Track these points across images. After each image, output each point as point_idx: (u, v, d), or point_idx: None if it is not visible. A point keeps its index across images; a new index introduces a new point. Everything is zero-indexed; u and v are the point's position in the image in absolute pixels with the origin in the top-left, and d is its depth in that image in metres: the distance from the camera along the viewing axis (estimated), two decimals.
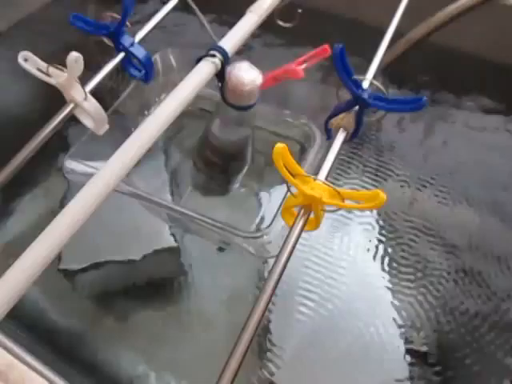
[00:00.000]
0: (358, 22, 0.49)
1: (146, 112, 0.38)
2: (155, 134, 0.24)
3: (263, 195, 0.39)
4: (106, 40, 0.35)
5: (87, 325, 0.41)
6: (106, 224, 0.41)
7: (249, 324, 0.20)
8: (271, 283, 0.22)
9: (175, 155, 0.44)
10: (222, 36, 0.33)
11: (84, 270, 0.40)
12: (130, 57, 0.35)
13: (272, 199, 0.40)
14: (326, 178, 0.26)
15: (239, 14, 0.37)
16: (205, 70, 0.27)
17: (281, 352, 0.36)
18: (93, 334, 0.40)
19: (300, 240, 0.24)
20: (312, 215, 0.25)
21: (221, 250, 0.43)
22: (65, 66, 0.29)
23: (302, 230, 0.24)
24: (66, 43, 0.54)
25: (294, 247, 0.23)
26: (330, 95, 0.37)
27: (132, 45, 0.35)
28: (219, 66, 0.28)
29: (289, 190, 0.25)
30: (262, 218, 0.36)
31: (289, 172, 0.23)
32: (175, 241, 0.41)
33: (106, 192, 0.23)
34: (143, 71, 0.36)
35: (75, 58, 0.28)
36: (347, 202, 0.24)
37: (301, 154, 0.41)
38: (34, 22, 0.54)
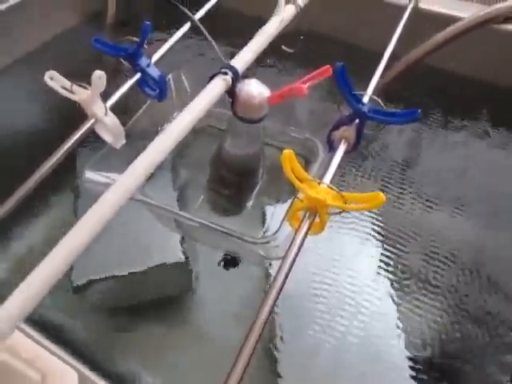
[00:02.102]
0: (357, 47, 0.52)
1: (159, 128, 0.41)
2: (171, 146, 0.26)
3: (268, 208, 0.41)
4: (123, 61, 0.38)
5: (93, 337, 0.42)
6: (115, 237, 0.43)
7: (255, 327, 0.22)
8: (277, 284, 0.24)
9: (183, 172, 0.46)
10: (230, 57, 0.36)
11: (92, 282, 0.41)
12: (145, 77, 0.38)
13: (276, 210, 0.42)
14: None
15: (245, 38, 0.40)
16: (217, 86, 0.29)
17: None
18: (98, 346, 0.41)
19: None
20: (317, 219, 0.27)
21: (225, 266, 0.45)
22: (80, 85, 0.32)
23: (307, 232, 0.25)
24: (81, 66, 0.57)
25: (299, 249, 0.25)
26: (331, 112, 0.40)
27: (148, 66, 0.38)
28: (230, 83, 0.30)
29: (295, 196, 0.27)
30: (268, 227, 0.38)
31: (296, 177, 0.26)
32: (185, 255, 0.42)
33: (121, 202, 0.25)
34: (157, 90, 0.39)
35: (99, 75, 0.30)
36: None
37: (305, 168, 0.43)
38: (53, 46, 0.57)
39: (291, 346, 0.38)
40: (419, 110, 0.29)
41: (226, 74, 0.30)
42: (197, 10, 0.42)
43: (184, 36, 0.42)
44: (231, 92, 0.31)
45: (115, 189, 0.24)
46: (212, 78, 0.30)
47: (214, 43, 0.39)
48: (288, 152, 0.24)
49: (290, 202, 0.42)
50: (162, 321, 0.43)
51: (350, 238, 0.43)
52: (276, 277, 0.24)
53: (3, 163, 0.48)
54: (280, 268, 0.24)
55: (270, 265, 0.43)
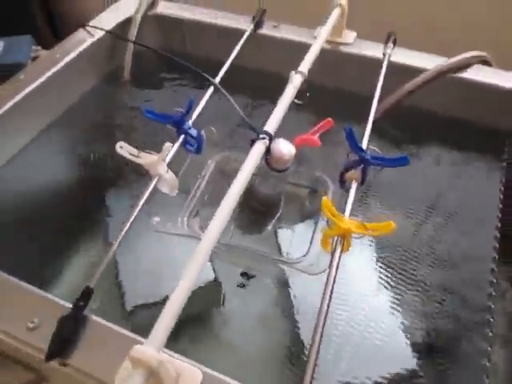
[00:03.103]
0: (348, 93, 0.63)
1: (198, 176, 0.50)
2: (238, 194, 0.35)
3: (286, 231, 0.51)
4: (170, 126, 0.47)
5: None
6: (154, 265, 0.51)
7: (317, 329, 0.31)
8: (327, 296, 0.33)
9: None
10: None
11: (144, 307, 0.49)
12: (187, 137, 0.47)
13: (295, 235, 0.52)
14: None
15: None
16: (259, 148, 0.39)
17: None
18: None
19: None
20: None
21: (243, 284, 0.53)
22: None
23: (342, 252, 0.35)
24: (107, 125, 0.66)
25: (338, 265, 0.35)
26: (334, 155, 0.50)
27: (189, 128, 0.47)
28: (267, 144, 0.40)
29: (327, 224, 0.37)
30: (289, 247, 0.48)
31: (330, 213, 0.35)
32: (215, 276, 0.51)
33: (210, 250, 0.33)
34: (195, 146, 0.48)
35: (168, 146, 0.40)
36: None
37: (312, 197, 0.54)
38: (79, 109, 0.65)
39: None
40: (408, 157, 0.39)
41: (264, 138, 0.40)
42: None
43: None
44: (267, 150, 0.40)
45: (206, 241, 0.33)
46: (253, 141, 0.40)
47: (236, 106, 0.49)
48: (325, 198, 0.34)
49: (303, 225, 0.52)
50: (193, 335, 0.50)
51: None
52: (325, 288, 0.34)
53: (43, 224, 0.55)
54: (327, 280, 0.34)
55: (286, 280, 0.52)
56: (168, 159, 0.44)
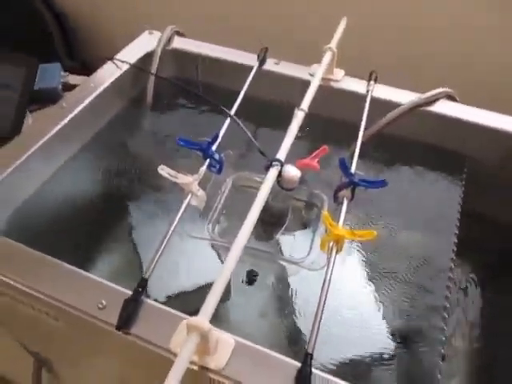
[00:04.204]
0: (337, 121, 0.75)
1: (219, 191, 0.62)
2: (260, 208, 0.46)
3: (291, 237, 0.63)
4: (197, 152, 0.58)
5: None
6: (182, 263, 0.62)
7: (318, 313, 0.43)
8: (325, 287, 0.45)
9: (233, 216, 0.66)
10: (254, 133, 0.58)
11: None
12: (211, 161, 0.59)
13: (295, 240, 0.64)
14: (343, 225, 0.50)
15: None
16: (273, 173, 0.51)
17: None
18: None
19: None
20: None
21: (250, 282, 0.65)
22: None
23: (337, 253, 0.47)
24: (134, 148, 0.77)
25: (334, 262, 0.47)
26: (328, 176, 0.62)
27: (214, 154, 0.58)
28: (279, 169, 0.52)
29: (325, 231, 0.49)
30: (295, 250, 0.60)
31: (328, 223, 0.47)
32: None
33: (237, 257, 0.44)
34: (217, 167, 0.60)
35: (202, 171, 0.51)
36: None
37: (308, 209, 0.66)
38: (107, 133, 0.76)
39: None
40: (386, 180, 0.52)
41: (277, 164, 0.51)
42: None
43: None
44: (279, 174, 0.52)
45: (234, 251, 0.44)
46: (267, 167, 0.52)
47: (250, 136, 0.61)
48: (326, 212, 0.46)
49: (304, 231, 0.64)
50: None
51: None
52: (324, 281, 0.45)
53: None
54: (326, 274, 0.46)
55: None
56: (199, 179, 0.55)
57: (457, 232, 0.61)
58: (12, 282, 0.49)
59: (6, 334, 0.73)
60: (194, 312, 0.40)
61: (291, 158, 0.57)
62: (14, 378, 1.14)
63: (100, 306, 0.46)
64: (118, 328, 0.44)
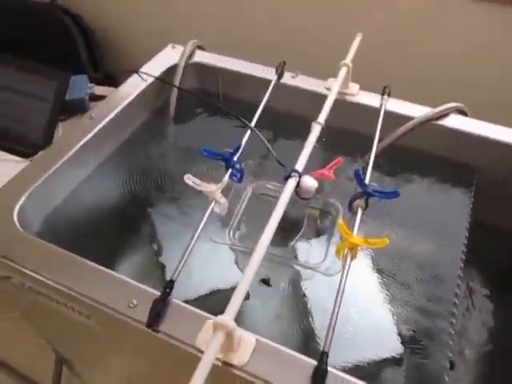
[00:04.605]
0: (352, 133, 0.79)
1: (239, 199, 0.66)
2: (280, 217, 0.50)
3: (307, 244, 0.66)
4: (221, 162, 0.62)
5: None
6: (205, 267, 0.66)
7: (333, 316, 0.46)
8: (340, 291, 0.48)
9: (253, 224, 0.69)
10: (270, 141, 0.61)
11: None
12: (233, 170, 0.62)
13: (311, 246, 0.67)
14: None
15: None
16: (292, 183, 0.54)
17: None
18: None
19: None
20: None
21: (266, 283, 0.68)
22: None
23: (351, 259, 0.50)
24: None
25: (349, 268, 0.50)
26: (344, 187, 0.65)
27: (235, 163, 0.62)
28: (298, 180, 0.55)
29: (341, 239, 0.52)
30: (311, 255, 0.63)
31: (344, 232, 0.51)
32: None
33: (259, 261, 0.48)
34: (238, 176, 0.63)
35: (225, 181, 0.55)
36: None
37: (325, 218, 0.69)
38: (133, 143, 0.80)
39: None
40: (399, 191, 0.55)
41: (295, 175, 0.55)
42: None
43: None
44: (297, 184, 0.56)
45: (256, 256, 0.47)
46: (286, 178, 0.55)
47: (269, 147, 0.64)
48: (341, 221, 0.49)
49: (319, 238, 0.67)
50: None
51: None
52: (339, 286, 0.49)
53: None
54: (341, 279, 0.49)
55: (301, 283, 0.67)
56: (221, 187, 0.59)
57: (466, 242, 0.64)
58: (48, 282, 0.53)
59: (34, 332, 0.77)
60: (216, 312, 0.43)
61: (307, 167, 0.60)
62: (36, 377, 1.18)
63: (131, 305, 0.49)
64: (148, 326, 0.47)
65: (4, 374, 1.19)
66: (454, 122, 0.75)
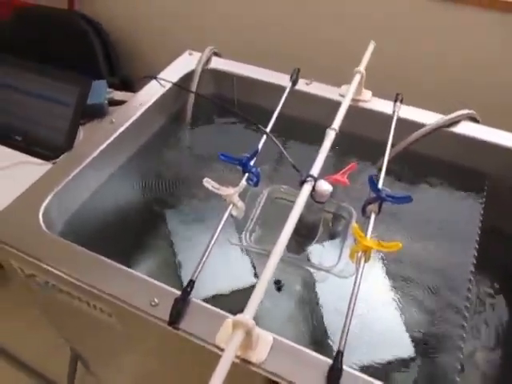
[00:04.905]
0: (365, 139, 0.80)
1: (255, 203, 0.68)
2: (296, 220, 0.52)
3: (322, 247, 0.68)
4: (238, 166, 0.64)
5: None
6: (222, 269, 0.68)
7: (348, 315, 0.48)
8: (354, 293, 0.50)
9: (268, 227, 0.71)
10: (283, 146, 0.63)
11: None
12: (250, 174, 0.64)
13: (325, 249, 0.69)
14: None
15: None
16: (308, 187, 0.56)
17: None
18: None
19: None
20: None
21: (279, 289, 0.70)
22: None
23: (365, 262, 0.52)
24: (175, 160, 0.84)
25: (363, 270, 0.51)
26: (359, 192, 0.67)
27: (252, 168, 0.64)
28: (313, 184, 0.57)
29: (355, 242, 0.54)
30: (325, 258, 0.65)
31: (358, 234, 0.52)
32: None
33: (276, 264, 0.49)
34: (255, 180, 0.65)
35: (243, 184, 0.57)
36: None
37: (338, 221, 0.71)
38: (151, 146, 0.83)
39: None
40: (411, 196, 0.56)
41: (311, 180, 0.57)
42: None
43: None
44: (312, 188, 0.57)
45: (273, 258, 0.49)
46: (302, 182, 0.57)
47: (285, 152, 0.66)
48: (355, 225, 0.51)
49: (333, 241, 0.69)
50: None
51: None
52: (353, 287, 0.50)
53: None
54: (355, 280, 0.50)
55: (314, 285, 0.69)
56: (239, 190, 0.61)
57: (477, 246, 0.65)
58: (72, 280, 0.55)
59: (52, 330, 0.79)
60: (232, 311, 0.44)
61: (321, 171, 0.62)
62: (49, 374, 1.21)
63: (152, 303, 0.51)
64: (170, 324, 0.49)
65: (20, 372, 1.22)
66: (466, 128, 0.77)
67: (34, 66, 0.91)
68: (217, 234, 0.56)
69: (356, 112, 0.79)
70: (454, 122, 0.77)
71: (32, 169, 0.88)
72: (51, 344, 1.20)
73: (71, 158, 0.70)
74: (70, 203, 0.68)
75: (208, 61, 0.90)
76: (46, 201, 0.63)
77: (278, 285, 0.68)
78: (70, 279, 0.55)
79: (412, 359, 0.61)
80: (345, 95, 0.72)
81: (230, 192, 0.59)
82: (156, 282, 0.54)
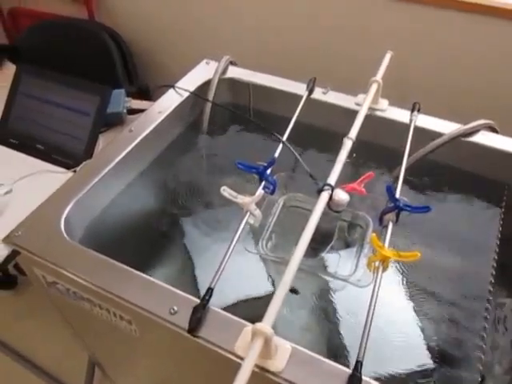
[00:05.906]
0: (382, 147, 0.80)
1: (271, 211, 0.68)
2: (314, 228, 0.52)
3: (337, 255, 0.68)
4: (254, 175, 0.64)
5: None
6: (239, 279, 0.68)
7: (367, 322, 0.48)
8: (372, 303, 0.50)
9: (283, 235, 0.72)
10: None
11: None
12: (266, 183, 0.65)
13: (341, 258, 0.69)
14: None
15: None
16: (325, 196, 0.56)
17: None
18: None
19: None
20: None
21: (296, 292, 0.70)
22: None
23: (383, 272, 0.52)
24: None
25: (381, 280, 0.51)
26: (374, 202, 0.67)
27: (268, 176, 0.64)
28: (330, 193, 0.57)
29: (372, 251, 0.54)
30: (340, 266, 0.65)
31: (376, 244, 0.52)
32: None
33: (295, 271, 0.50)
34: (271, 189, 0.65)
35: (260, 193, 0.57)
36: None
37: (354, 230, 0.71)
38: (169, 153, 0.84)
39: None
40: (430, 206, 0.56)
41: (328, 188, 0.57)
42: None
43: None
44: (330, 197, 0.58)
45: (291, 266, 0.49)
46: (319, 191, 0.57)
47: (301, 161, 0.67)
48: (374, 235, 0.51)
49: (349, 250, 0.69)
50: None
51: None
52: (371, 297, 0.50)
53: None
54: (373, 291, 0.50)
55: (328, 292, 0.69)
56: (255, 200, 0.61)
57: (496, 257, 0.65)
58: (93, 287, 0.56)
59: (71, 335, 0.80)
60: (249, 319, 0.44)
61: (338, 180, 0.62)
62: (67, 380, 1.22)
63: (172, 311, 0.52)
64: (189, 331, 0.50)
65: (33, 374, 1.24)
66: (484, 138, 0.76)
67: (55, 75, 0.93)
68: (234, 242, 0.57)
69: (373, 121, 0.79)
70: (473, 132, 0.76)
71: (53, 177, 0.89)
72: (67, 349, 1.22)
73: (91, 167, 0.72)
74: (90, 211, 0.69)
75: (225, 70, 0.91)
76: (67, 209, 0.64)
77: (294, 293, 0.69)
78: (91, 286, 0.56)
79: (431, 370, 0.61)
80: (361, 104, 0.73)
81: (248, 200, 0.59)
82: (175, 289, 0.55)
